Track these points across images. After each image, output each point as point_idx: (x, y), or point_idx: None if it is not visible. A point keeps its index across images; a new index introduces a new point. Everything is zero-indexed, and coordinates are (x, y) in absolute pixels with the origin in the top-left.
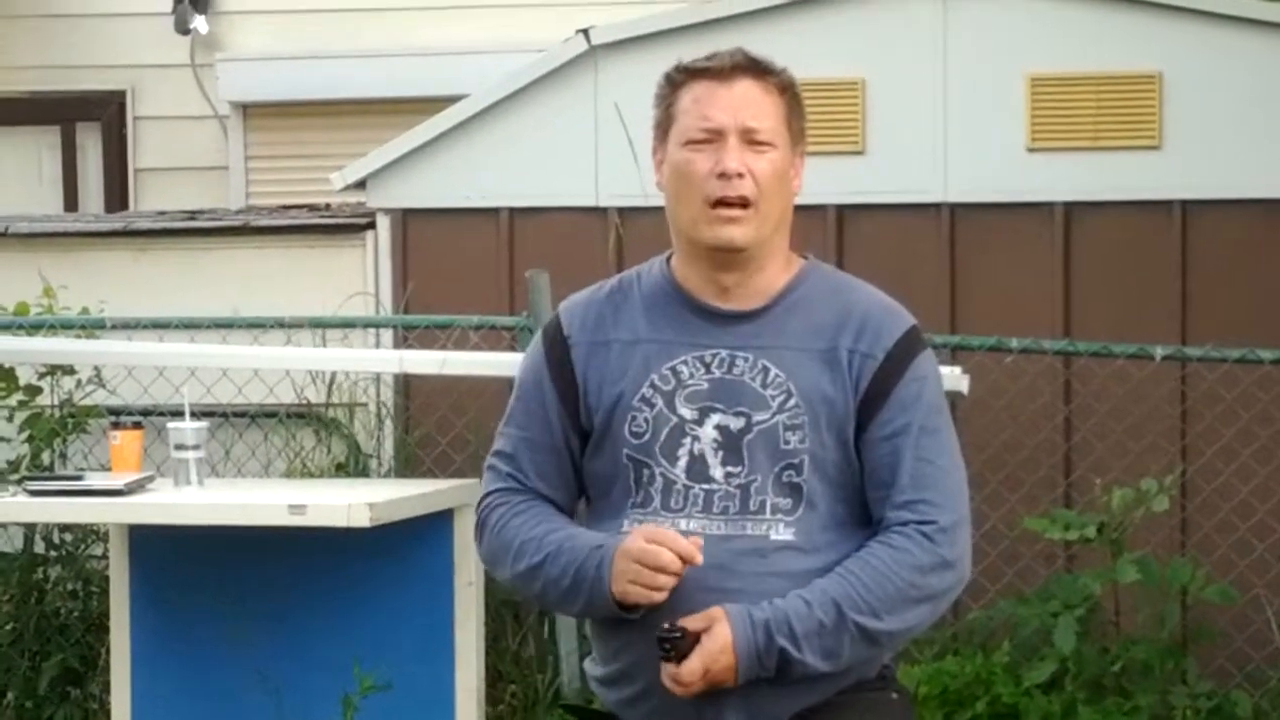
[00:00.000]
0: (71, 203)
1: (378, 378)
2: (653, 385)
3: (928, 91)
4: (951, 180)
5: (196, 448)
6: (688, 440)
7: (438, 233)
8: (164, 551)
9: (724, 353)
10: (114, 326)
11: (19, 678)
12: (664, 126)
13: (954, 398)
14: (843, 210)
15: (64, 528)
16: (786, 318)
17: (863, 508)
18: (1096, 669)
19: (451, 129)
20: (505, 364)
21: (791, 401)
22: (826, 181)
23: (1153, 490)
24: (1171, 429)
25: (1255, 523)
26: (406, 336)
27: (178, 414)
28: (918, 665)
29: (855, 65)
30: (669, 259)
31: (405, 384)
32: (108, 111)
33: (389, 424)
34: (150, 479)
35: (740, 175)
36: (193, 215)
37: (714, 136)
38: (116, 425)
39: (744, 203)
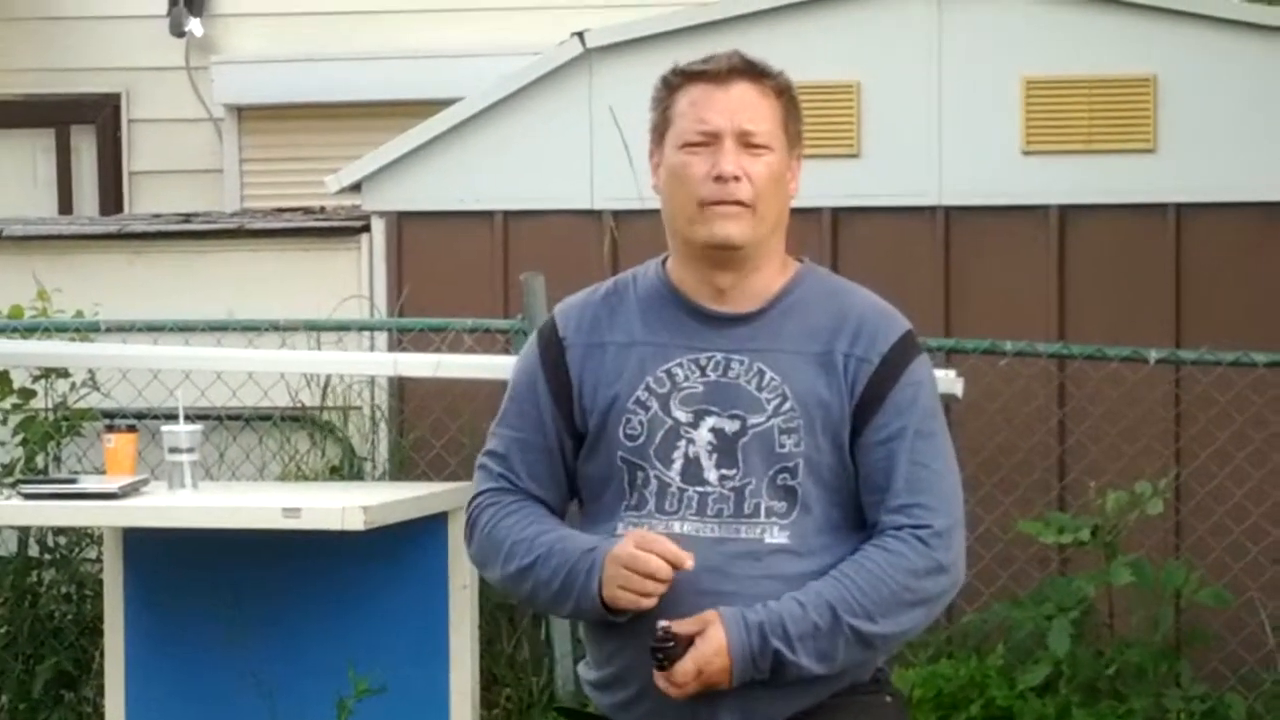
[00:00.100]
0: (66, 205)
1: (372, 381)
2: (648, 388)
3: (923, 94)
4: (946, 183)
5: (191, 451)
6: (682, 443)
7: (432, 236)
8: (158, 555)
9: (719, 355)
10: (108, 329)
11: (13, 681)
12: (660, 130)
13: (948, 400)
14: (838, 213)
15: (58, 531)
16: (782, 321)
17: (857, 511)
18: (1091, 672)
19: (446, 132)
20: (500, 367)
21: (787, 405)
22: (821, 184)
23: (1147, 493)
24: (1166, 432)
25: (1249, 525)
26: (401, 339)
27: (172, 417)
28: (912, 668)
29: (850, 68)
30: (665, 262)
31: (400, 387)
32: (102, 114)
33: (384, 427)
34: (145, 482)
35: (736, 178)
36: (187, 218)
37: (710, 139)
38: (111, 428)
39: (740, 206)
